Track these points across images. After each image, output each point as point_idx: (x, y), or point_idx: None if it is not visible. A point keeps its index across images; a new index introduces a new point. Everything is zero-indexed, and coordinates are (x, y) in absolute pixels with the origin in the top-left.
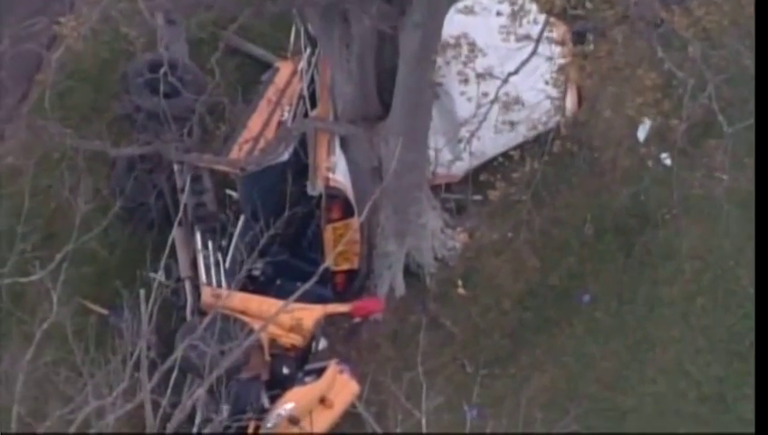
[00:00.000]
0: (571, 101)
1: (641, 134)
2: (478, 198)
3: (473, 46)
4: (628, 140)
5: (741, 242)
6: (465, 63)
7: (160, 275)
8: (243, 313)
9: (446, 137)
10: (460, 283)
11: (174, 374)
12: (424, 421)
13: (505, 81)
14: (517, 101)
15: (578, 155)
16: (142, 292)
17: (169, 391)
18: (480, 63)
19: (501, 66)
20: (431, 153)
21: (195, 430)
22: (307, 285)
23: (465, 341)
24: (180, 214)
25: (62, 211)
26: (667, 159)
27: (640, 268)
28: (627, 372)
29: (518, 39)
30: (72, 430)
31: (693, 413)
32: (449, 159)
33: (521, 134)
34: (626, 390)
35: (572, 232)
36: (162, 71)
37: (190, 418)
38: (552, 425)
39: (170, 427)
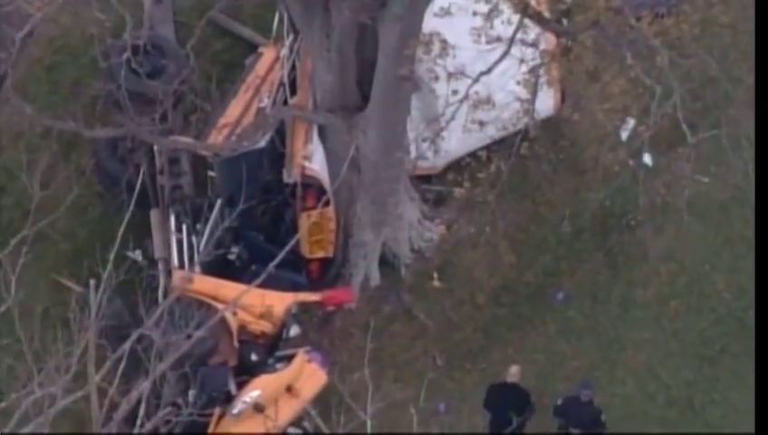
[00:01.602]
0: (554, 99)
1: (624, 134)
2: (460, 190)
3: (445, 44)
4: (610, 139)
5: (717, 246)
6: (434, 61)
7: (137, 255)
8: (214, 298)
9: (428, 129)
10: (435, 275)
11: (122, 365)
12: (369, 423)
13: (476, 80)
14: (488, 100)
15: (545, 157)
16: (92, 282)
17: (117, 380)
18: (451, 63)
19: (472, 66)
20: (411, 145)
21: (138, 420)
22: (267, 271)
23: (437, 334)
24: (135, 194)
25: (47, 186)
26: (648, 160)
27: (616, 269)
28: (597, 373)
29: (489, 40)
30: (15, 419)
31: (661, 416)
32: (429, 151)
33: (501, 130)
34: (595, 390)
35: (550, 229)
36: (125, 56)
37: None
38: None
39: (116, 417)
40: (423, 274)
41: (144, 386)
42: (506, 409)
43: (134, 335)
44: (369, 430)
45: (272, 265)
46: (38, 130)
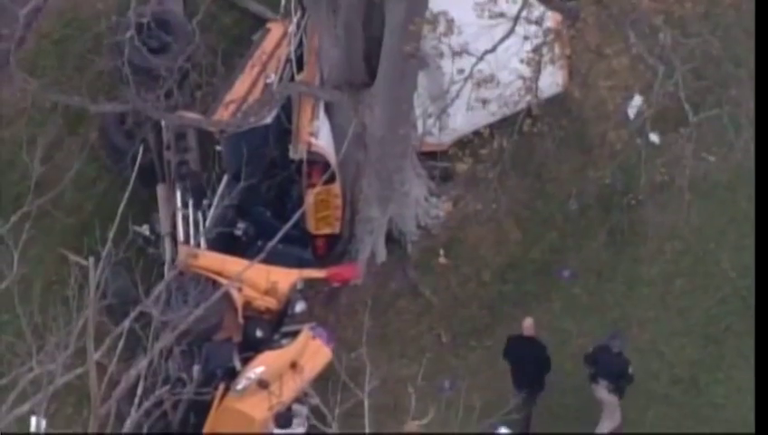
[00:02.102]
0: (561, 77)
1: (631, 111)
2: (461, 165)
3: (450, 23)
4: (616, 117)
5: (722, 225)
6: (440, 39)
7: (144, 230)
8: (220, 274)
9: (435, 105)
10: (442, 252)
11: (121, 342)
12: (366, 403)
13: (480, 58)
14: (492, 78)
15: (552, 134)
16: (91, 260)
17: (116, 358)
18: (456, 41)
19: (475, 43)
20: (419, 121)
21: (136, 399)
22: (269, 247)
23: (443, 310)
24: (136, 169)
25: (48, 161)
26: (655, 138)
27: (621, 246)
28: None
29: (492, 16)
30: (12, 398)
31: (664, 395)
32: (435, 127)
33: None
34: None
35: (557, 206)
36: (129, 33)
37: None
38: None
39: (115, 395)
40: (429, 250)
41: (142, 365)
42: (525, 360)
43: (133, 313)
44: (366, 410)
45: (274, 240)
46: (46, 105)
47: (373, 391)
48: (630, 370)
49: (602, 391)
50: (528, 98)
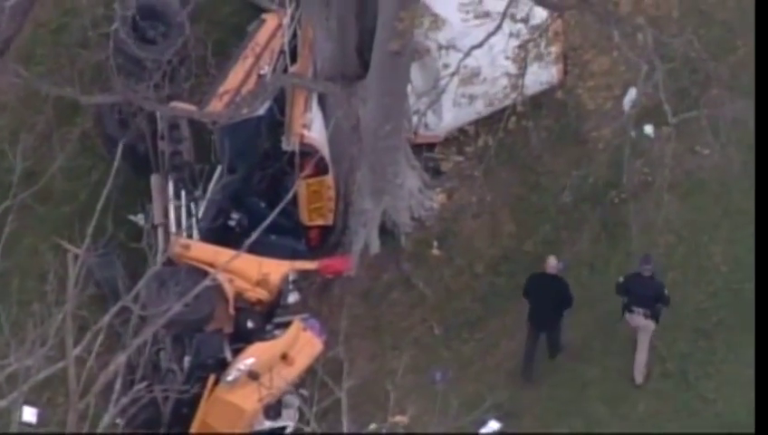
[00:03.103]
0: (556, 70)
1: (627, 104)
2: (460, 159)
3: (435, 17)
4: (611, 110)
5: (716, 218)
6: (426, 35)
7: (139, 219)
8: (212, 265)
9: (421, 100)
10: (435, 244)
11: (101, 336)
12: (344, 400)
13: (467, 54)
14: (478, 74)
15: (546, 127)
16: (70, 255)
17: (95, 353)
18: (443, 37)
19: (462, 39)
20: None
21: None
22: (256, 236)
23: (435, 303)
24: (117, 160)
25: (42, 151)
26: (649, 130)
27: (614, 239)
28: (592, 343)
29: (477, 15)
30: None
31: (655, 389)
32: (431, 119)
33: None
34: (590, 360)
35: (551, 199)
36: (114, 25)
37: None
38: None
39: (95, 389)
40: (423, 242)
41: (120, 360)
42: (547, 296)
43: (114, 308)
44: (344, 408)
45: (259, 229)
46: (41, 94)
47: (363, 383)
48: (666, 292)
49: (638, 319)
50: (532, 88)
